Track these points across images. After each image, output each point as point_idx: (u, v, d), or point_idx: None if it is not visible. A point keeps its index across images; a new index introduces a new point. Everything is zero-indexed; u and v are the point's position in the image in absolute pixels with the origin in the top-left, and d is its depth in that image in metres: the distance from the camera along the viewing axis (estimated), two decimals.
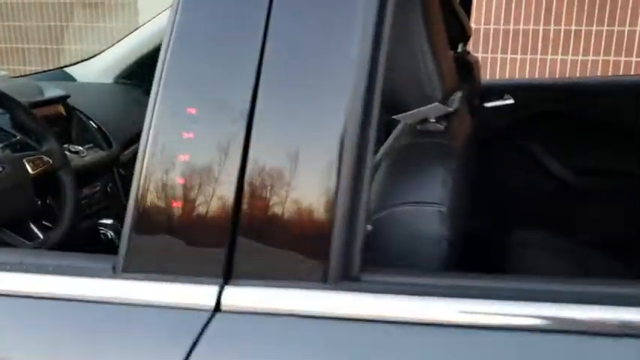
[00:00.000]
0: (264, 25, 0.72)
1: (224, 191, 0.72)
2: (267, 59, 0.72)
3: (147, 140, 0.75)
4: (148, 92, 2.05)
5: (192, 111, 0.73)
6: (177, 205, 0.72)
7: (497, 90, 2.12)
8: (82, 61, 2.37)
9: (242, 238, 0.72)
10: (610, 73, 4.33)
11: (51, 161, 1.52)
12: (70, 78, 2.31)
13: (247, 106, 0.72)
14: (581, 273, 1.76)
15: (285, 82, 0.71)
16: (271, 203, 0.71)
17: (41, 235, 1.44)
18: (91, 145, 1.86)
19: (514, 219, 2.07)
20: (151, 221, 0.74)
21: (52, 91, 1.88)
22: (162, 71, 0.75)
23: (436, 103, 1.01)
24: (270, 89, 0.71)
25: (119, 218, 1.82)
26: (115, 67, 2.32)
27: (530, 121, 2.18)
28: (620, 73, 4.37)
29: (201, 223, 0.73)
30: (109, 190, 1.87)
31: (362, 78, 0.69)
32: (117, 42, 2.35)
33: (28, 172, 1.45)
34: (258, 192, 0.71)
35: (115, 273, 0.77)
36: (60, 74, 2.32)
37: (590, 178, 2.15)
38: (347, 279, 0.71)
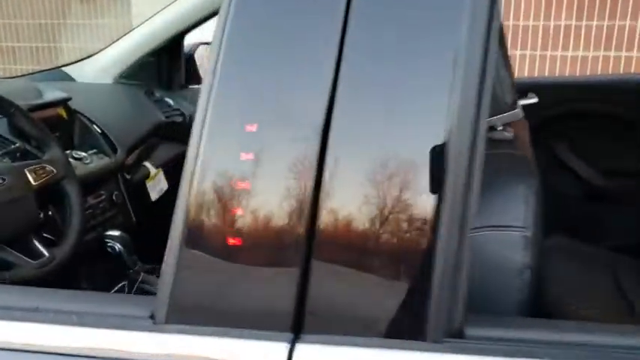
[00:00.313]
0: (341, 26, 0.60)
1: (293, 226, 0.60)
2: (346, 64, 0.60)
3: (195, 165, 0.63)
4: (150, 93, 1.90)
5: (252, 128, 0.61)
6: (234, 243, 0.60)
7: (521, 88, 2.01)
8: (80, 60, 2.24)
9: (316, 283, 0.59)
10: (610, 70, 4.24)
11: (54, 170, 1.40)
12: (68, 78, 2.18)
13: (321, 119, 0.59)
14: (610, 279, 1.68)
15: (368, 91, 0.59)
16: (353, 242, 0.58)
17: (46, 252, 1.31)
18: (94, 150, 1.74)
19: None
20: (200, 261, 0.62)
21: (52, 92, 1.75)
22: (211, 84, 0.63)
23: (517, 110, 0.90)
24: (350, 98, 0.59)
25: (126, 229, 1.69)
26: (115, 66, 2.20)
27: (556, 121, 2.07)
28: (621, 70, 4.28)
29: (266, 265, 0.61)
30: (114, 198, 1.75)
31: (470, 87, 0.57)
32: (116, 40, 2.22)
33: (30, 183, 1.32)
34: (336, 227, 0.58)
35: (155, 324, 0.64)
36: (57, 74, 2.20)
37: (619, 181, 2.05)
38: (449, 335, 0.58)
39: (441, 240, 0.56)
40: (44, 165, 1.38)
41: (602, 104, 2.01)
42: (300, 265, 0.59)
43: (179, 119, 2.20)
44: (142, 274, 1.66)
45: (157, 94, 2.21)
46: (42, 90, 1.75)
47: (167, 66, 2.30)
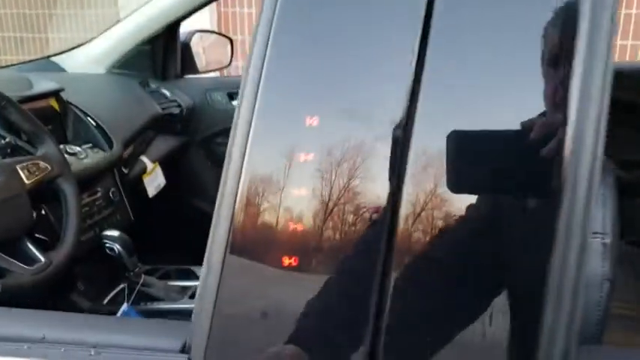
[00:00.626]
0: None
1: (366, 246, 0.49)
2: (434, 48, 0.49)
3: (240, 167, 0.53)
4: (145, 83, 1.77)
5: (313, 122, 0.51)
6: (290, 263, 0.50)
7: None
8: (71, 49, 2.13)
9: (395, 310, 0.49)
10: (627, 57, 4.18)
11: (49, 167, 1.29)
12: (58, 68, 2.07)
13: (402, 112, 0.49)
14: (631, 275, 1.62)
15: (461, 81, 0.49)
16: (440, 257, 0.48)
17: (41, 257, 1.20)
18: (89, 144, 1.63)
19: None
20: (246, 291, 0.52)
21: (43, 83, 1.64)
22: (261, 70, 0.52)
23: None
24: (437, 89, 0.49)
25: (124, 228, 1.59)
26: (108, 55, 2.10)
27: None
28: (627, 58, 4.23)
29: (330, 296, 0.50)
30: (111, 195, 1.65)
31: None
32: (108, 28, 2.11)
33: (23, 181, 1.22)
34: (420, 240, 0.48)
35: None
36: (46, 64, 2.08)
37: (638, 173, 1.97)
38: None
39: (557, 256, 0.46)
40: (38, 161, 1.28)
41: (622, 94, 1.92)
42: (375, 289, 0.49)
43: (176, 111, 2.10)
44: (143, 276, 1.56)
45: (152, 85, 2.11)
46: (32, 80, 1.64)
47: (162, 55, 2.20)
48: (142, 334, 0.59)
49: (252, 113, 0.52)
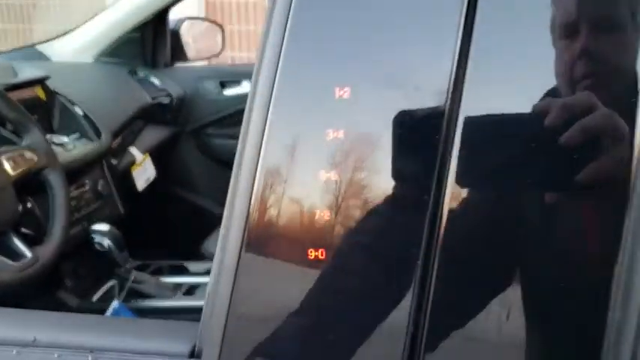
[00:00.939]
0: None
1: (405, 236, 0.43)
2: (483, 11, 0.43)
3: (258, 150, 0.46)
4: (134, 72, 1.69)
5: (344, 93, 0.44)
6: (317, 256, 0.44)
7: None
8: (56, 37, 2.06)
9: (436, 323, 0.43)
10: None
11: (35, 158, 1.23)
12: (44, 57, 2.00)
13: (447, 82, 0.43)
14: None
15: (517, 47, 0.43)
16: (486, 253, 0.42)
17: (27, 252, 1.14)
18: (77, 134, 1.57)
19: None
20: (265, 290, 0.46)
21: (28, 71, 1.58)
22: (282, 34, 0.46)
23: None
24: (492, 46, 0.43)
25: (113, 222, 1.53)
26: (95, 43, 2.04)
27: None
28: None
29: (363, 292, 0.44)
30: (99, 188, 1.58)
31: None
32: (95, 15, 2.04)
33: (7, 173, 1.15)
34: (466, 235, 0.42)
35: None
36: (31, 53, 2.01)
37: None
38: None
39: (623, 267, 0.41)
40: (23, 152, 1.21)
41: None
42: (415, 288, 0.43)
43: (165, 100, 2.04)
44: (134, 272, 1.50)
45: (141, 74, 2.05)
46: (16, 69, 1.57)
47: (152, 43, 2.13)
48: (144, 337, 0.53)
49: (272, 86, 0.46)
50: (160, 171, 1.98)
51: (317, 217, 0.44)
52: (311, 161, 0.45)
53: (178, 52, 2.21)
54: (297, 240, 0.45)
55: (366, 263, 0.44)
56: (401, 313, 0.43)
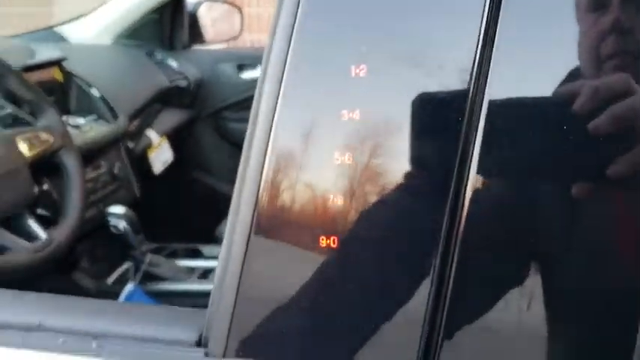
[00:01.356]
0: None
1: (423, 224, 0.41)
2: None
3: (268, 130, 0.44)
4: (152, 54, 1.66)
5: (360, 71, 0.42)
6: (329, 244, 0.42)
7: None
8: (74, 19, 2.05)
9: (455, 318, 0.41)
10: None
11: (51, 139, 1.22)
12: (62, 39, 1.99)
13: (471, 60, 0.40)
14: None
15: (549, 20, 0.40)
16: (510, 245, 0.40)
17: (43, 234, 1.14)
18: (93, 116, 1.56)
19: None
20: (275, 276, 0.45)
21: (45, 52, 1.57)
22: (296, 8, 0.44)
23: None
24: (522, 20, 0.40)
25: (130, 205, 1.53)
26: (113, 25, 2.03)
27: None
28: None
29: (376, 281, 0.42)
30: (116, 170, 1.58)
31: None
32: None
33: (23, 154, 1.15)
34: (490, 223, 0.40)
35: (207, 356, 0.47)
36: (49, 35, 2.00)
37: None
38: None
39: None
40: (39, 133, 1.20)
41: None
42: (433, 280, 0.41)
43: (183, 83, 2.03)
44: (149, 255, 1.50)
45: (159, 56, 2.03)
46: (34, 50, 1.57)
47: (169, 25, 2.12)
48: (151, 324, 0.51)
49: (284, 63, 0.44)
50: (177, 154, 1.97)
51: (329, 202, 0.42)
52: (325, 142, 0.43)
53: (196, 35, 2.19)
54: (309, 227, 0.43)
55: (381, 252, 0.42)
56: (417, 306, 0.41)
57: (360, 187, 0.42)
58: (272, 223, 0.45)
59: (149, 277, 1.49)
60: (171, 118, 2.00)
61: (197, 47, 2.22)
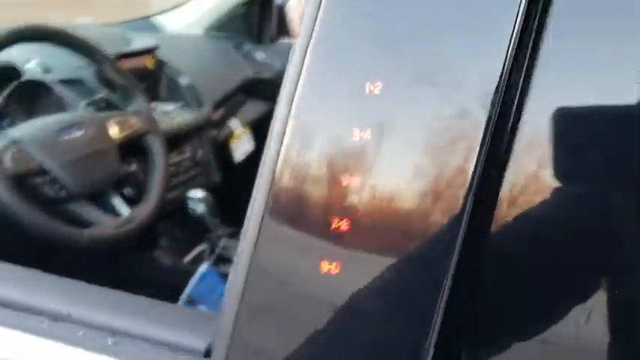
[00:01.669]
0: None
1: (439, 241, 0.39)
2: None
3: (279, 147, 0.45)
4: (239, 46, 1.70)
5: (375, 88, 0.41)
6: (334, 271, 0.41)
7: None
8: (169, 10, 2.15)
9: (478, 320, 0.40)
10: None
11: (138, 124, 1.30)
12: (155, 28, 2.09)
13: (500, 77, 0.37)
14: None
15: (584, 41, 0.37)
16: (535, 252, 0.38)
17: (126, 212, 1.22)
18: (180, 104, 1.64)
19: None
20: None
21: (140, 41, 1.66)
22: (314, 20, 0.43)
23: None
24: (558, 38, 0.37)
25: (209, 191, 1.59)
26: (205, 17, 2.10)
27: None
28: None
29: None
30: (198, 157, 1.65)
31: None
32: None
33: (113, 136, 1.23)
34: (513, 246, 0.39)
35: None
36: (144, 24, 2.10)
37: None
38: None
39: None
40: (128, 117, 1.29)
41: None
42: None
43: (268, 75, 2.08)
44: (224, 238, 1.56)
45: (246, 48, 2.10)
46: (129, 38, 1.66)
47: (258, 18, 2.17)
48: (167, 326, 0.51)
49: (299, 82, 0.43)
50: (258, 144, 2.03)
51: (343, 214, 0.41)
52: (335, 162, 0.42)
53: (284, 28, 2.24)
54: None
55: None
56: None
57: (370, 208, 0.40)
58: (274, 253, 0.44)
59: (222, 259, 1.55)
60: (255, 109, 2.06)
61: (284, 40, 2.27)
